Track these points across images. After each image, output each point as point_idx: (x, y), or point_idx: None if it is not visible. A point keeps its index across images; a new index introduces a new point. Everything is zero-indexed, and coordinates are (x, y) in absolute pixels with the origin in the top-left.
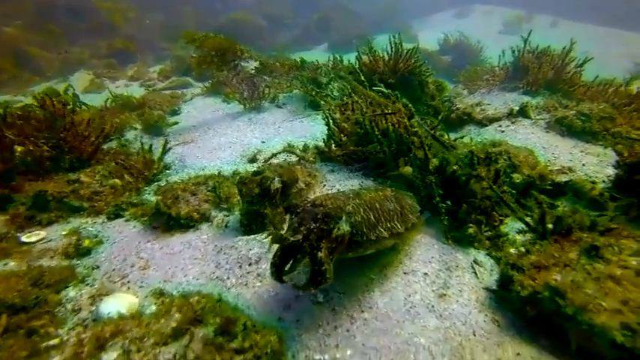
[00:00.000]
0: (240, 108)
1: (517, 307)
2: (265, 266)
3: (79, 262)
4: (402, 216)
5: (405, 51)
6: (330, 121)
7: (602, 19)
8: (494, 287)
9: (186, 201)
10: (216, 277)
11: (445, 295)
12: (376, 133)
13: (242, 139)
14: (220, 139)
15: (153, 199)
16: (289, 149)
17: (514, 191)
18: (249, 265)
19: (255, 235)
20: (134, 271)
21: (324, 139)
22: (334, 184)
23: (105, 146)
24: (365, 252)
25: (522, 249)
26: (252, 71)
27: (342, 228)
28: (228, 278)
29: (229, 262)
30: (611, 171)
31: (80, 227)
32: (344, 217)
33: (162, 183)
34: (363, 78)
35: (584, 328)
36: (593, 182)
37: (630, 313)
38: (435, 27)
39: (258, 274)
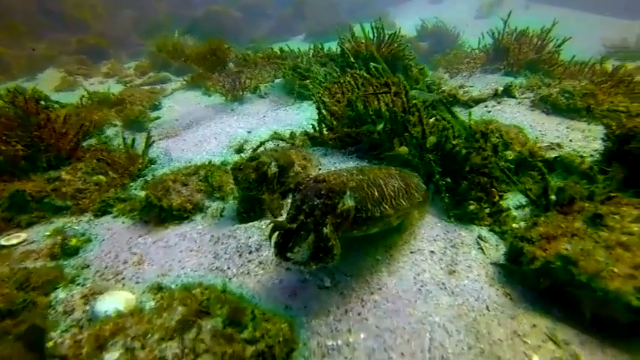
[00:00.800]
0: (222, 100)
1: (529, 278)
2: (266, 254)
3: (66, 262)
4: (408, 194)
5: (388, 35)
6: (321, 104)
7: (574, 3)
8: (502, 262)
9: (177, 192)
10: (216, 268)
11: (454, 271)
12: (370, 113)
13: (227, 130)
14: (205, 131)
15: (141, 193)
16: (277, 136)
17: (512, 166)
18: (250, 253)
19: (254, 223)
20: (128, 267)
21: (313, 124)
22: (330, 167)
23: (84, 143)
24: (370, 230)
25: (530, 221)
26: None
27: (346, 203)
28: (228, 268)
29: (228, 252)
30: (597, 145)
31: (65, 227)
32: (348, 192)
33: (149, 178)
34: (352, 59)
35: (599, 295)
36: (582, 157)
37: None
38: (411, 13)
39: (260, 262)
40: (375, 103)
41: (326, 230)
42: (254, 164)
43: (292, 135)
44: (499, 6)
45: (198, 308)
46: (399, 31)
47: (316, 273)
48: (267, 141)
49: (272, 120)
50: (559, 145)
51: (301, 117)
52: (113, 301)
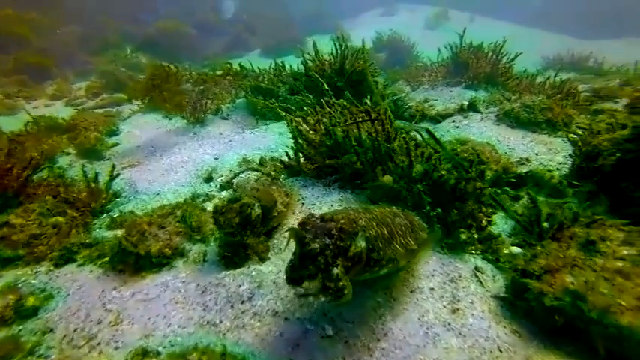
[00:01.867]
0: (184, 123)
1: (537, 314)
2: (260, 303)
3: (22, 327)
4: (414, 232)
5: (352, 52)
6: (297, 133)
7: (512, 17)
8: (502, 294)
9: (154, 236)
10: (207, 323)
11: (458, 309)
12: (353, 143)
13: (193, 157)
14: (170, 159)
15: (108, 234)
16: (254, 167)
17: (500, 190)
18: (242, 303)
19: (242, 269)
20: (103, 329)
21: (286, 152)
22: (313, 202)
23: (35, 177)
24: (380, 272)
25: (528, 252)
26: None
27: (359, 245)
28: (221, 322)
29: (218, 303)
30: (560, 158)
31: (18, 281)
32: (360, 233)
33: (115, 214)
34: (326, 87)
35: (612, 331)
36: (550, 171)
37: None
38: (364, 26)
39: (255, 313)
40: (356, 131)
41: (336, 270)
42: (236, 207)
43: (262, 161)
44: (445, 18)
45: None
46: (364, 47)
47: (317, 321)
48: (241, 172)
49: (239, 144)
50: (527, 160)
51: (269, 140)
52: None
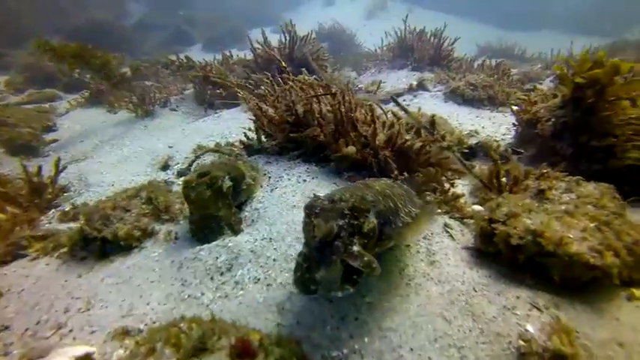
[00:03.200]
0: (131, 116)
1: (503, 256)
2: (240, 272)
3: None
4: (411, 200)
5: (300, 38)
6: (258, 111)
7: (449, 9)
8: (471, 245)
9: (120, 219)
10: (188, 296)
11: (434, 261)
12: (317, 116)
13: (146, 147)
14: (122, 150)
15: (61, 227)
16: (213, 149)
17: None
18: (222, 274)
19: (217, 242)
20: (73, 316)
21: (245, 133)
22: (280, 174)
23: None
24: (389, 244)
25: (493, 203)
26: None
27: (372, 220)
28: (203, 294)
29: (197, 276)
30: (503, 130)
31: None
32: (372, 209)
33: (67, 207)
34: (283, 64)
35: (565, 260)
36: (496, 141)
37: (591, 238)
38: (305, 17)
39: (236, 282)
40: (316, 106)
41: (355, 248)
42: (207, 180)
43: (219, 146)
44: (384, 9)
45: (193, 345)
46: (312, 33)
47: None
48: (202, 154)
49: (192, 132)
50: (476, 132)
51: (222, 127)
52: None
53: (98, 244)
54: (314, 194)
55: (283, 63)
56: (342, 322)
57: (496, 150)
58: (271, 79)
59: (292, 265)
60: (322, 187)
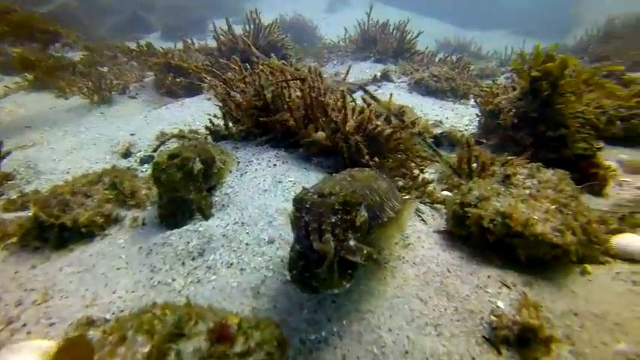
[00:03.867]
0: (86, 102)
1: (474, 237)
2: (213, 257)
3: None
4: (394, 194)
5: (265, 26)
6: (226, 96)
7: (409, 6)
8: (442, 229)
9: (81, 205)
10: (159, 283)
11: (409, 244)
12: (287, 100)
13: (106, 134)
14: (77, 137)
15: (7, 216)
16: (179, 134)
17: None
18: (193, 259)
19: (188, 226)
20: (27, 309)
21: (210, 119)
22: (249, 159)
23: None
24: (373, 237)
25: (465, 188)
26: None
27: (363, 214)
28: (174, 280)
29: (167, 262)
30: (466, 120)
31: None
32: (363, 203)
33: (14, 196)
34: (254, 49)
35: (531, 240)
36: (461, 131)
37: (553, 219)
38: (267, 8)
39: (209, 267)
40: (285, 91)
41: (352, 243)
42: (178, 162)
43: (182, 132)
44: (346, 3)
45: (168, 331)
46: (277, 22)
47: (274, 269)
48: (167, 140)
49: (155, 119)
50: (441, 122)
51: (185, 114)
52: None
53: (55, 231)
54: (303, 187)
55: (254, 48)
56: (319, 306)
57: (460, 140)
58: (240, 63)
59: (265, 249)
60: (293, 171)
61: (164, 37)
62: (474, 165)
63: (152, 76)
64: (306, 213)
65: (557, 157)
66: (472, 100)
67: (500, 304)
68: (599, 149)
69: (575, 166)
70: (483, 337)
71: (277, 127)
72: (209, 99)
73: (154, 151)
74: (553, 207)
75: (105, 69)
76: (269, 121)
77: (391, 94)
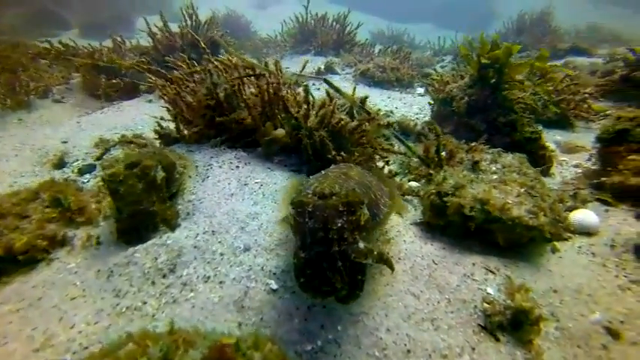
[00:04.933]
0: None
1: (453, 227)
2: (187, 272)
3: None
4: (382, 189)
5: (204, 22)
6: (177, 96)
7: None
8: (419, 221)
9: (14, 229)
10: (127, 308)
11: (390, 239)
12: (244, 98)
13: (28, 143)
14: None
15: None
16: (127, 140)
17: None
18: (164, 277)
19: (154, 240)
20: None
21: (157, 122)
22: (208, 162)
23: None
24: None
25: (439, 177)
26: None
27: (366, 212)
28: (145, 303)
29: (135, 283)
30: (415, 109)
31: None
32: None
33: None
34: (204, 45)
35: (509, 224)
36: (412, 120)
37: (525, 201)
38: (195, 3)
39: (184, 284)
40: (241, 87)
41: (362, 245)
42: (137, 172)
43: (125, 139)
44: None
45: None
46: (213, 17)
47: (256, 279)
48: (113, 146)
49: (90, 125)
50: (391, 112)
51: (125, 118)
52: None
53: None
54: (302, 189)
55: (203, 43)
56: (309, 313)
57: (413, 129)
58: (187, 60)
59: (242, 258)
60: (257, 172)
61: (84, 35)
62: (443, 153)
63: (79, 78)
64: (309, 218)
65: (509, 141)
66: (418, 89)
67: (490, 290)
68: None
69: (524, 149)
70: (479, 325)
71: (233, 127)
72: (149, 101)
73: (98, 159)
74: (522, 190)
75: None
76: (225, 120)
77: (354, 87)
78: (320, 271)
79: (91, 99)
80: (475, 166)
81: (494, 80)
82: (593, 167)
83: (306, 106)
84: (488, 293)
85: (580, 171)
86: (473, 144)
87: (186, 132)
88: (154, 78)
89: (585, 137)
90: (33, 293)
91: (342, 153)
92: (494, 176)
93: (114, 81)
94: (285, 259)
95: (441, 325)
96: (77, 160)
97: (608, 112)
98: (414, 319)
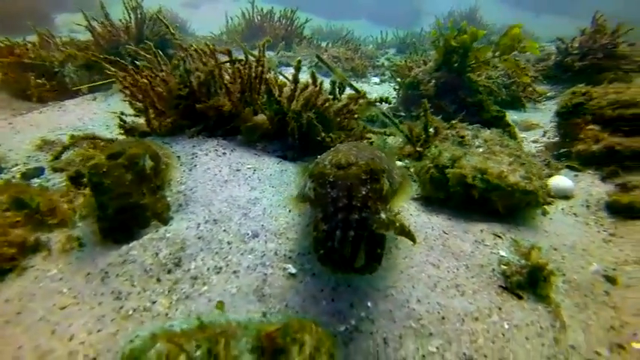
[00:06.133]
0: None
1: (454, 198)
2: (194, 264)
3: None
4: (393, 163)
5: (150, 16)
6: (148, 87)
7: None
8: (417, 196)
9: None
10: (135, 310)
11: (397, 214)
12: (224, 83)
13: None
14: None
15: None
16: (90, 136)
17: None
18: (169, 272)
19: (151, 235)
20: None
21: (119, 116)
22: (191, 152)
23: None
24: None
25: (435, 152)
26: None
27: (386, 183)
28: (154, 302)
29: (137, 282)
30: (375, 96)
31: None
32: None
33: None
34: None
35: (508, 190)
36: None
37: (518, 168)
38: (115, 1)
39: (194, 278)
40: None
41: (384, 215)
42: (123, 161)
43: (75, 138)
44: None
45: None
46: (161, 10)
47: (273, 264)
48: (73, 144)
49: (26, 126)
50: None
51: (71, 118)
52: None
53: None
54: (318, 163)
55: (172, 29)
56: (335, 294)
57: (378, 116)
58: (154, 50)
59: (253, 245)
60: (246, 157)
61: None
62: (431, 130)
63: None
64: (332, 188)
65: (478, 120)
66: (372, 78)
67: (503, 252)
68: None
69: (493, 127)
70: (500, 286)
71: (211, 115)
72: (94, 99)
73: (55, 159)
74: (511, 159)
75: None
76: (204, 108)
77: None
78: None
79: (19, 100)
80: (462, 141)
81: (457, 64)
82: (554, 140)
83: (292, 87)
84: (502, 256)
85: (539, 146)
86: (453, 121)
87: (157, 124)
88: (113, 69)
89: (536, 116)
90: (8, 308)
91: (331, 134)
92: (480, 149)
93: (42, 81)
94: (298, 242)
95: (466, 290)
96: (17, 164)
97: (548, 94)
98: (440, 287)
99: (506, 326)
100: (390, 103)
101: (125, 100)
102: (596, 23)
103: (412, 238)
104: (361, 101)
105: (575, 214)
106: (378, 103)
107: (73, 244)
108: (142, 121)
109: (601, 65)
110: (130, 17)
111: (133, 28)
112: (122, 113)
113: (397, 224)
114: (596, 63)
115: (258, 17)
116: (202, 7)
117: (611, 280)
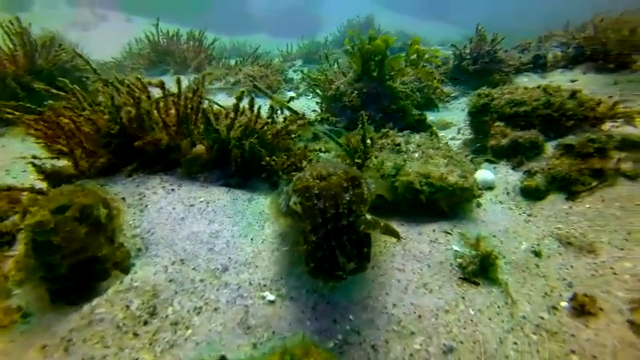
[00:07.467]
0: None
1: (402, 203)
2: (171, 309)
3: None
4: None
5: (42, 42)
6: (73, 126)
7: (169, 19)
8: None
9: None
10: None
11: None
12: (163, 116)
13: None
14: None
15: None
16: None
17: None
18: (146, 324)
19: (116, 287)
20: None
21: (33, 162)
22: (138, 192)
23: None
24: None
25: (377, 162)
26: None
27: (365, 187)
28: None
29: (112, 342)
30: (306, 111)
31: None
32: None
33: None
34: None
35: (450, 190)
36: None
37: (455, 169)
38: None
39: (174, 323)
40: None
41: (369, 217)
42: (75, 214)
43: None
44: (102, 18)
45: None
46: (53, 36)
47: (250, 295)
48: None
49: None
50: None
51: None
52: None
53: None
54: (302, 176)
55: (92, 65)
56: (316, 312)
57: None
58: (72, 86)
59: (225, 279)
60: (195, 191)
61: None
62: (368, 141)
63: None
64: (318, 199)
65: (403, 125)
66: (287, 93)
67: (456, 247)
68: None
69: (416, 130)
70: (460, 278)
71: (148, 150)
72: None
73: None
74: (446, 161)
75: None
76: (141, 144)
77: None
78: (331, 252)
79: None
80: (398, 149)
81: (375, 73)
82: (469, 137)
83: (232, 115)
84: (456, 250)
85: (457, 143)
86: (384, 130)
87: (86, 165)
88: (17, 113)
89: (448, 115)
90: None
91: (274, 157)
92: (416, 154)
93: None
94: (268, 269)
95: (433, 287)
96: None
97: (453, 94)
98: (410, 289)
99: (472, 312)
100: (331, 123)
101: (37, 143)
102: (479, 33)
103: (396, 235)
104: (300, 122)
105: (500, 201)
106: (316, 124)
107: (14, 317)
108: (62, 163)
109: (488, 68)
110: (13, 44)
111: (20, 56)
112: (35, 157)
113: (382, 223)
114: (484, 66)
115: (164, 40)
116: (92, 29)
117: (537, 254)
